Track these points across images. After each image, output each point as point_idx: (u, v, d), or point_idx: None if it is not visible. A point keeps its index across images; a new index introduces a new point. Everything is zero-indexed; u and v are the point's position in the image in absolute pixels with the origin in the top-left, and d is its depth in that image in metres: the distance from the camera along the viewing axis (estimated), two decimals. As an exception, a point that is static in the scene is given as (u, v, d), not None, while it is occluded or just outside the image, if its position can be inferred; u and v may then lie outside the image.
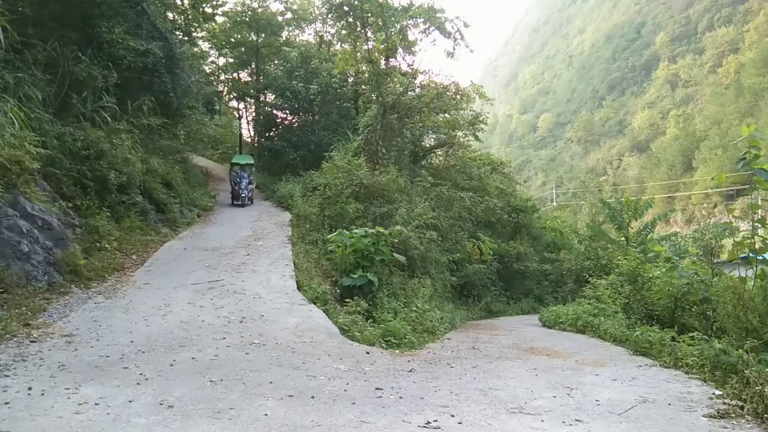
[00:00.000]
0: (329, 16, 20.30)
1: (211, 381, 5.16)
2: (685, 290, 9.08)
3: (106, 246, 10.39)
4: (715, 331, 7.95)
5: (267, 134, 26.94)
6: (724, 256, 10.21)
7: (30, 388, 4.58)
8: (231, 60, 30.19)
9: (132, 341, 6.34)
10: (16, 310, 6.84)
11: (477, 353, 8.09)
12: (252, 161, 22.35)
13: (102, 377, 5.03)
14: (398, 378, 5.86)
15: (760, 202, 8.52)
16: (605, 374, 6.50)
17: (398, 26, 17.87)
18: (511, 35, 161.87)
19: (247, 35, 28.51)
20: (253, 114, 29.92)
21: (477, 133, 22.77)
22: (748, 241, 7.12)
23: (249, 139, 31.94)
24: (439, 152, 23.00)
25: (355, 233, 10.62)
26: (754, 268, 7.09)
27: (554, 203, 51.02)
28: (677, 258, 12.85)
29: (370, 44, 18.44)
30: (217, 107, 27.76)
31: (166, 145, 17.34)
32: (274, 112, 26.88)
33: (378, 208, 13.82)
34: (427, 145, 22.70)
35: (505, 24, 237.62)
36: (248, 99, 30.43)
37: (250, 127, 31.30)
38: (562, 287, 21.70)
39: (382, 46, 17.74)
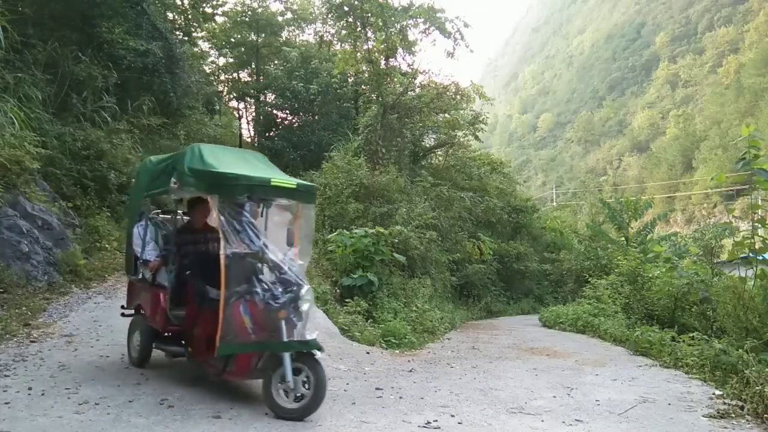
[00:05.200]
0: (329, 16, 20.30)
1: (210, 381, 5.16)
2: (685, 290, 9.09)
3: (106, 246, 10.38)
4: (715, 331, 7.96)
5: (267, 134, 26.92)
6: (724, 256, 10.20)
7: (30, 388, 4.58)
8: (231, 60, 30.15)
9: (132, 341, 6.34)
10: (16, 310, 6.84)
11: (477, 353, 8.09)
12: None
13: (102, 377, 5.03)
14: (398, 378, 5.87)
15: (760, 202, 8.52)
16: (605, 374, 6.51)
17: (398, 26, 17.87)
18: (511, 35, 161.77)
19: (247, 35, 28.47)
20: (253, 114, 29.89)
21: (477, 133, 22.76)
22: (748, 241, 7.13)
23: (249, 139, 31.94)
24: (439, 152, 22.99)
25: (355, 233, 10.62)
26: (754, 268, 7.09)
27: (554, 203, 50.99)
28: (677, 258, 12.84)
29: (370, 44, 18.43)
30: (217, 107, 27.73)
31: (166, 145, 17.27)
32: (274, 112, 26.87)
33: (378, 208, 13.82)
34: (427, 145, 22.69)
35: (505, 24, 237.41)
36: (248, 99, 30.39)
37: (250, 127, 31.28)
38: (562, 287, 21.71)
39: (382, 46, 17.73)
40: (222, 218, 4.51)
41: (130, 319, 5.69)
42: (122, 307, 6.00)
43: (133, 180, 6.23)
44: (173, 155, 5.43)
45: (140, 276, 5.67)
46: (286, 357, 4.28)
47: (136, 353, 5.47)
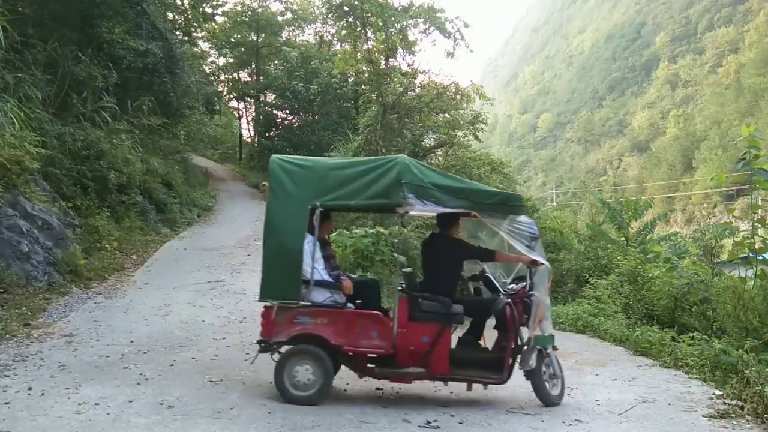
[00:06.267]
0: (329, 16, 20.30)
1: (211, 381, 5.16)
2: (685, 290, 9.09)
3: (106, 246, 10.39)
4: (715, 331, 7.96)
5: (267, 134, 26.97)
6: (724, 256, 10.20)
7: (30, 388, 4.59)
8: (231, 60, 30.21)
9: (132, 341, 6.34)
10: (16, 310, 6.84)
11: (477, 353, 8.09)
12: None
13: (102, 377, 5.03)
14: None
15: (760, 202, 8.53)
16: (605, 374, 6.50)
17: (398, 26, 17.87)
18: (511, 35, 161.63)
19: (247, 35, 28.53)
20: (253, 114, 29.93)
21: (477, 133, 22.73)
22: (748, 241, 7.14)
23: (249, 139, 31.96)
24: (439, 152, 22.95)
25: (355, 233, 10.63)
26: (754, 268, 7.10)
27: (554, 203, 50.95)
28: (677, 258, 12.83)
29: (370, 44, 18.43)
30: (217, 107, 27.78)
31: (166, 145, 17.34)
32: (274, 112, 26.91)
33: (378, 208, 13.81)
34: (427, 145, 22.67)
35: (505, 24, 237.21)
36: (248, 99, 30.45)
37: (250, 127, 31.33)
38: (562, 287, 21.64)
39: (382, 46, 17.73)
40: (506, 234, 4.90)
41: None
42: (260, 342, 4.85)
43: (268, 185, 4.97)
44: (371, 164, 4.94)
45: (307, 300, 4.81)
46: (551, 350, 5.08)
47: (311, 389, 4.68)
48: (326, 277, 5.00)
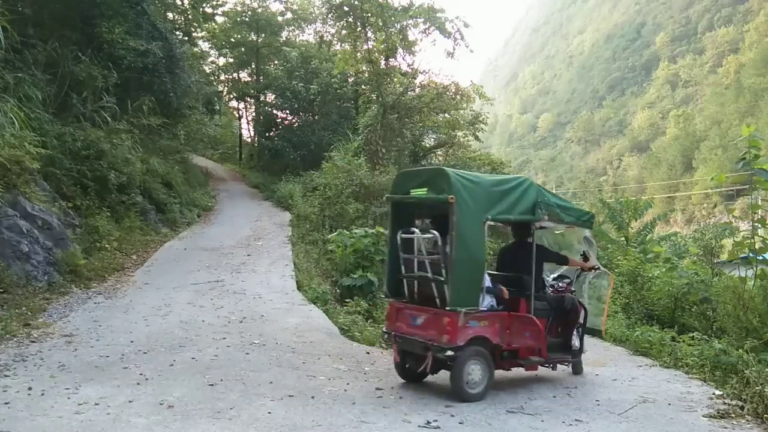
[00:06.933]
0: (329, 16, 20.32)
1: (211, 381, 5.16)
2: (685, 290, 9.11)
3: (106, 246, 10.38)
4: (715, 331, 7.97)
5: (267, 134, 26.95)
6: (724, 256, 10.20)
7: (30, 388, 4.59)
8: (231, 60, 30.19)
9: (132, 341, 6.34)
10: (16, 310, 6.84)
11: (477, 353, 8.08)
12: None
13: (102, 377, 5.03)
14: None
15: (760, 202, 8.53)
16: (605, 374, 6.51)
17: (398, 26, 17.91)
18: (511, 35, 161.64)
19: (247, 35, 28.52)
20: (253, 114, 29.92)
21: (477, 133, 22.76)
22: (748, 241, 7.14)
23: (249, 139, 31.96)
24: (439, 152, 22.99)
25: (355, 233, 10.63)
26: (754, 268, 7.10)
27: (554, 203, 50.76)
28: (677, 258, 12.84)
29: (370, 44, 18.46)
30: (217, 107, 27.75)
31: (166, 145, 17.33)
32: (274, 112, 26.90)
33: (378, 208, 13.82)
34: (427, 145, 22.70)
35: (505, 24, 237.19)
36: (248, 99, 30.43)
37: (250, 127, 31.32)
38: (562, 287, 21.63)
39: (382, 46, 17.76)
40: (590, 243, 6.49)
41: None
42: (450, 349, 4.93)
43: (455, 199, 4.96)
44: (511, 182, 5.54)
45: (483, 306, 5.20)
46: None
47: (480, 386, 5.06)
48: (490, 285, 5.44)
